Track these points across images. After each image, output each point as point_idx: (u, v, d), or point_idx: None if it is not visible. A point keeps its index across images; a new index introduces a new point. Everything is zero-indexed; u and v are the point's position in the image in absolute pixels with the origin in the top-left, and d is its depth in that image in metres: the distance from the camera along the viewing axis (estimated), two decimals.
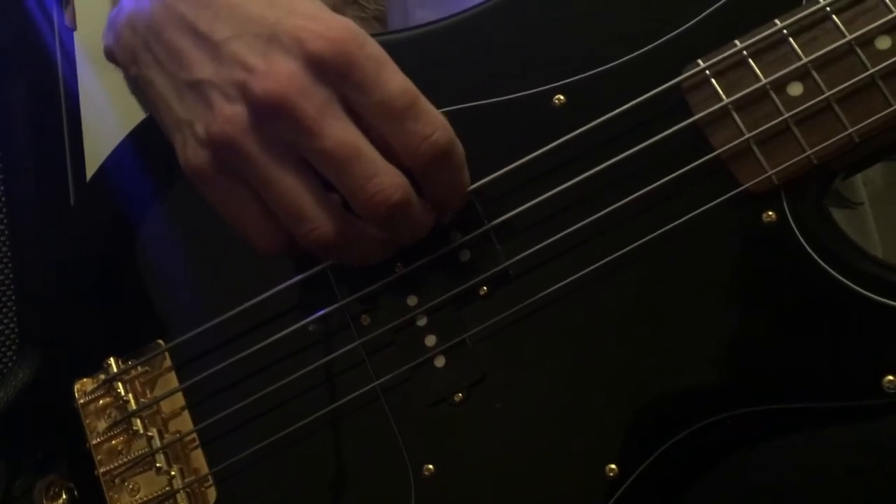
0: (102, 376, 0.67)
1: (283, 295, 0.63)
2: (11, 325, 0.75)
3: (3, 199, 0.77)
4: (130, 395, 0.67)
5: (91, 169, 0.76)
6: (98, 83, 0.79)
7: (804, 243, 0.54)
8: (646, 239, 0.57)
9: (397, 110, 0.53)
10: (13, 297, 0.75)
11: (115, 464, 0.66)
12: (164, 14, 0.57)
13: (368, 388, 0.62)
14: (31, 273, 0.75)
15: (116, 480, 0.67)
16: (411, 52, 0.57)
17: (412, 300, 0.61)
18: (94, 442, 0.67)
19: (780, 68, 0.54)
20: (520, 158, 0.59)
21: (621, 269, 0.57)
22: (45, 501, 0.68)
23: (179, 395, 0.67)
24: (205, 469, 0.66)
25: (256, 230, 0.57)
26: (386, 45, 0.54)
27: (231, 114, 0.54)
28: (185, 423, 0.66)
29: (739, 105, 0.55)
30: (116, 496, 0.67)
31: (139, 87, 0.61)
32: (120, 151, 0.72)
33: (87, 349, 0.69)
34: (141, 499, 0.66)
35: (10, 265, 0.76)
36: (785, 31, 0.54)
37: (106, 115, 0.78)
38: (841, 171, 0.56)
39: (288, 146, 0.54)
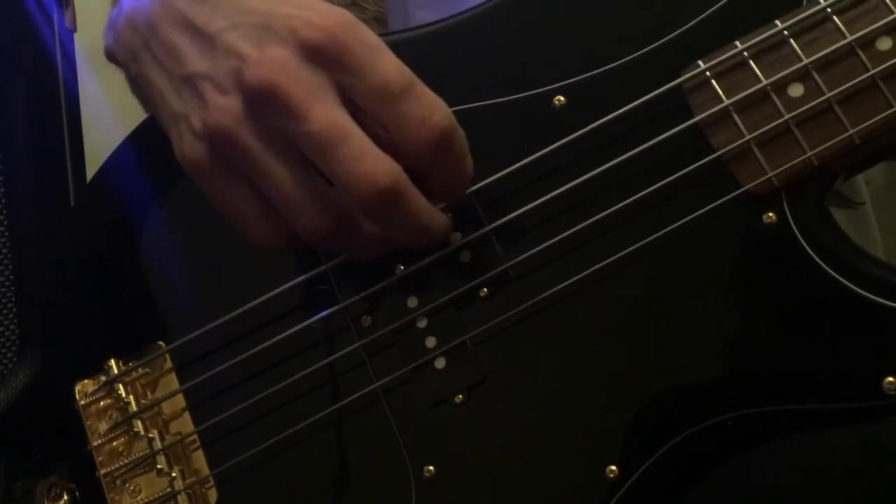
0: (103, 378, 0.68)
1: (284, 296, 0.63)
2: (12, 327, 0.75)
3: (3, 199, 0.77)
4: (131, 397, 0.67)
5: (91, 169, 0.75)
6: (98, 84, 0.79)
7: (805, 245, 0.54)
8: (647, 240, 0.56)
9: (393, 93, 0.52)
10: (13, 298, 0.75)
11: (116, 465, 0.67)
12: (162, 12, 0.57)
13: (369, 389, 0.62)
14: (31, 274, 0.75)
15: (117, 482, 0.67)
16: (411, 52, 0.57)
17: (413, 301, 0.61)
18: (95, 443, 0.67)
19: (780, 69, 0.54)
20: (520, 159, 0.59)
21: (622, 271, 0.57)
22: (46, 502, 0.68)
23: (180, 396, 0.67)
24: (206, 470, 0.66)
25: (254, 224, 0.56)
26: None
27: (226, 105, 0.53)
28: (185, 424, 0.66)
29: (740, 106, 0.55)
30: (117, 497, 0.67)
31: (139, 87, 0.61)
32: (120, 152, 0.72)
33: (87, 350, 0.69)
34: (142, 500, 0.66)
35: (10, 266, 0.76)
36: (786, 32, 0.54)
37: (106, 115, 0.78)
38: (842, 172, 0.56)
39: (284, 137, 0.53)
